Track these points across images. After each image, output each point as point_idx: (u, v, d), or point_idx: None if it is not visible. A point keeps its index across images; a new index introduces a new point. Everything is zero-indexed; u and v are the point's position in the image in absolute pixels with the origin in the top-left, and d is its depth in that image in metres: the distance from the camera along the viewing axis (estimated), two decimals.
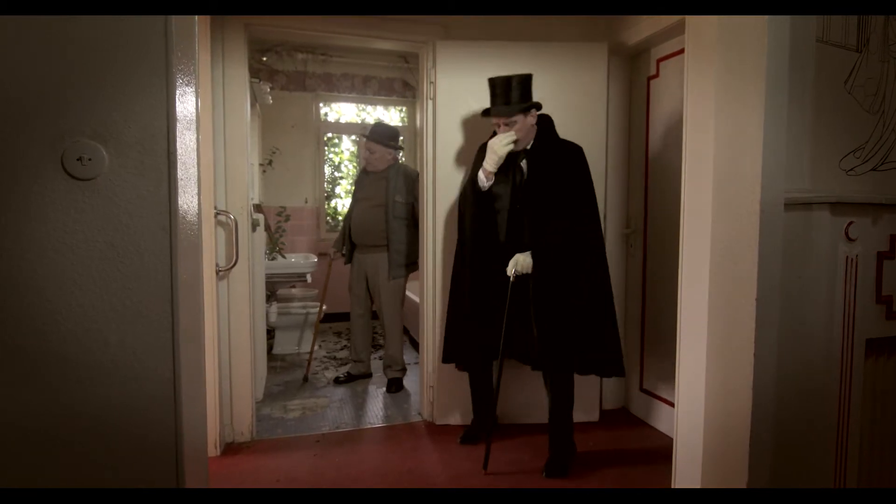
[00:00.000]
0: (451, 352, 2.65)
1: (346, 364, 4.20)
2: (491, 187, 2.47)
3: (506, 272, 2.41)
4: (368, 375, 3.78)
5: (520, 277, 2.40)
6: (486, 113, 2.49)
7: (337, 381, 3.69)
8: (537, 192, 2.39)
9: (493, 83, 2.43)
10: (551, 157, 2.43)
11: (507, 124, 2.40)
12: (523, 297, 2.42)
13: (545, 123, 2.49)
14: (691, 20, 1.84)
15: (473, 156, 2.68)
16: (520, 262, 2.38)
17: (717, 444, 1.79)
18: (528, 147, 2.45)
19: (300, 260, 4.60)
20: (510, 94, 2.39)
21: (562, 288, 2.38)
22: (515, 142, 2.39)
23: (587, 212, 2.44)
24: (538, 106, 2.44)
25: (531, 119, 2.42)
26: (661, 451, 2.60)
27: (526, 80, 2.42)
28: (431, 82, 2.85)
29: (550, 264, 2.37)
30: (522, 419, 2.93)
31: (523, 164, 2.44)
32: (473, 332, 2.55)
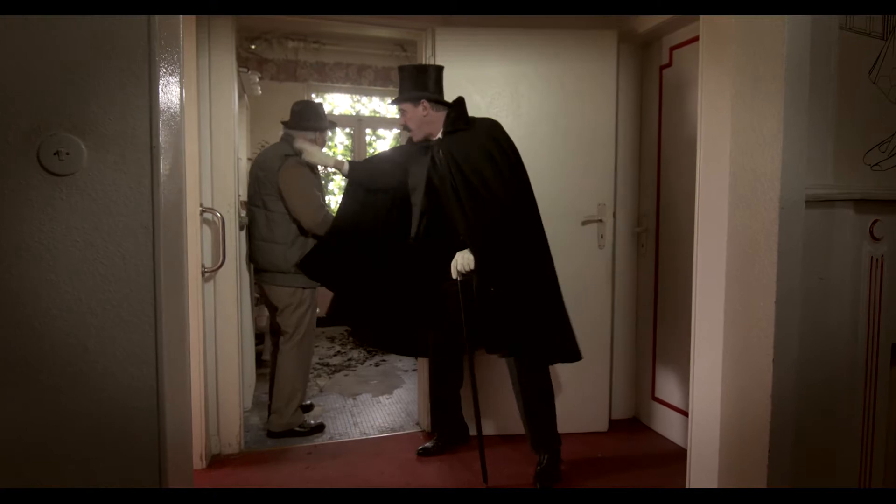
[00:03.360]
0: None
1: (339, 371, 4.19)
2: (407, 179, 2.60)
3: (420, 273, 2.50)
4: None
5: (464, 276, 2.41)
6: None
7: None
8: (454, 182, 2.37)
9: (399, 71, 2.56)
10: (463, 140, 2.43)
11: (400, 111, 2.53)
12: (454, 295, 2.46)
13: (453, 109, 2.50)
14: None
15: None
16: (460, 262, 2.40)
17: (733, 455, 1.79)
18: (439, 136, 2.49)
19: None
20: (404, 84, 2.50)
21: (497, 277, 2.36)
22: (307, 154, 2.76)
23: (515, 186, 2.43)
24: (426, 97, 2.45)
25: (421, 111, 2.46)
26: (674, 462, 2.60)
27: (422, 71, 2.51)
28: None
29: (488, 255, 2.36)
30: (511, 430, 2.91)
31: (438, 154, 2.45)
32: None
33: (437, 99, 2.49)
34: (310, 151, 2.78)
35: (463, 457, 2.72)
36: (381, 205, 2.72)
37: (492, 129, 2.46)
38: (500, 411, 2.92)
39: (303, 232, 2.90)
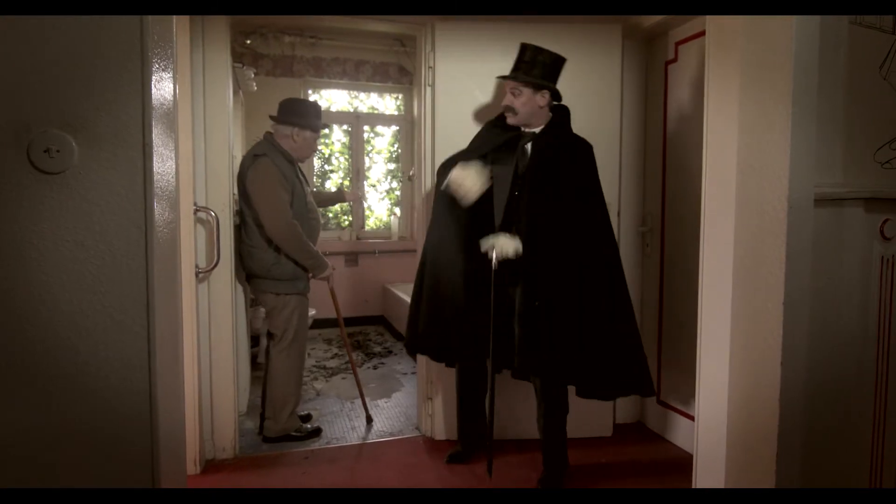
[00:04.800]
0: (422, 340, 2.60)
1: (336, 374, 4.20)
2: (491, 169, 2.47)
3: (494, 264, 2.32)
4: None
5: (504, 265, 2.29)
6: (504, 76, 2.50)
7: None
8: (540, 177, 2.35)
9: (523, 48, 2.44)
10: (559, 145, 2.41)
11: (512, 91, 2.40)
12: (505, 291, 2.38)
13: (561, 113, 2.48)
14: None
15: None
16: (500, 244, 2.28)
17: (741, 460, 1.79)
18: (537, 132, 2.44)
19: None
20: (530, 65, 2.40)
21: (562, 283, 2.30)
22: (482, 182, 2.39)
23: (596, 205, 2.41)
24: (553, 90, 2.43)
25: (540, 100, 2.40)
26: (680, 468, 2.60)
27: (553, 60, 2.42)
28: (430, 67, 2.85)
29: (548, 252, 2.28)
30: (523, 434, 2.93)
31: (528, 146, 2.42)
32: (451, 324, 2.50)
33: (558, 98, 2.45)
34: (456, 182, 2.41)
35: (474, 465, 2.70)
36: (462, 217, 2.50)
37: (587, 148, 2.44)
38: (516, 416, 2.93)
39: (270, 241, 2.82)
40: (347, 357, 4.60)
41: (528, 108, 2.40)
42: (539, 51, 2.41)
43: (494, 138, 2.49)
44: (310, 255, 2.89)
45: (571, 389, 2.41)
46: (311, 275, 2.97)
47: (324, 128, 3.07)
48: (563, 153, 2.40)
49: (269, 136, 2.95)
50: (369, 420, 3.26)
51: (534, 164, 2.38)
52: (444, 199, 2.51)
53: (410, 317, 2.66)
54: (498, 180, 2.45)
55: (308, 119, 2.94)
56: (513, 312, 2.36)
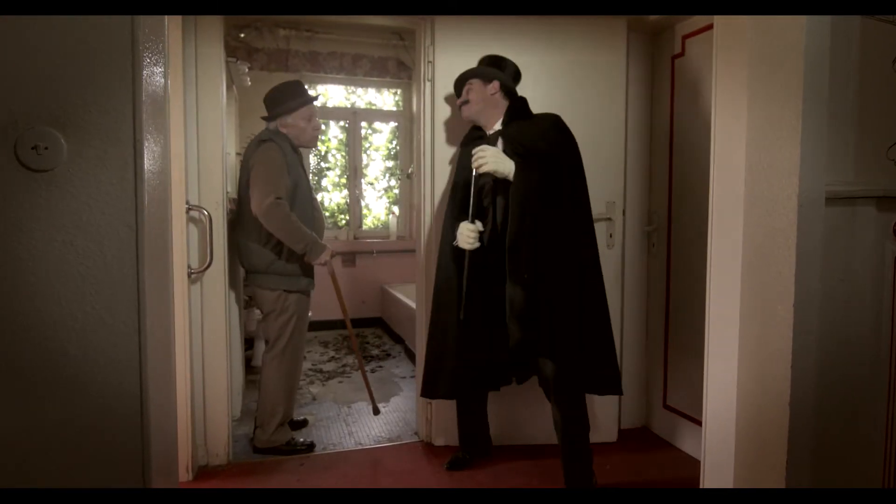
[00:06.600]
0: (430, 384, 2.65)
1: (333, 377, 4.20)
2: (478, 178, 2.47)
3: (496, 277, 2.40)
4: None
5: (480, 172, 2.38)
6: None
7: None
8: (514, 153, 2.39)
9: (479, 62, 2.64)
10: (525, 127, 2.46)
11: (466, 91, 2.55)
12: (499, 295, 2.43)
13: (518, 103, 2.56)
14: None
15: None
16: (488, 157, 2.33)
17: (749, 466, 1.79)
18: (500, 127, 2.52)
19: None
20: (477, 66, 2.60)
21: (555, 275, 2.33)
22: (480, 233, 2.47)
23: (576, 194, 2.42)
24: (501, 78, 2.53)
25: (490, 89, 2.52)
26: (687, 476, 2.60)
27: (496, 57, 2.61)
28: (429, 62, 2.85)
29: (533, 241, 2.32)
30: (523, 440, 2.93)
31: (499, 145, 2.46)
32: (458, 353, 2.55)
33: (509, 87, 2.54)
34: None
35: (475, 472, 2.72)
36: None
37: (555, 123, 2.47)
38: (517, 421, 2.94)
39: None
40: (344, 360, 4.60)
41: (479, 96, 2.52)
42: (487, 56, 2.63)
43: (468, 158, 2.48)
44: (299, 237, 2.74)
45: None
46: (306, 259, 2.83)
47: (315, 98, 3.00)
48: (528, 133, 2.44)
49: (274, 127, 2.92)
50: (376, 412, 3.25)
51: (508, 150, 2.41)
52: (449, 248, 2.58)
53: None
54: (484, 189, 2.48)
55: (304, 96, 2.91)
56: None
